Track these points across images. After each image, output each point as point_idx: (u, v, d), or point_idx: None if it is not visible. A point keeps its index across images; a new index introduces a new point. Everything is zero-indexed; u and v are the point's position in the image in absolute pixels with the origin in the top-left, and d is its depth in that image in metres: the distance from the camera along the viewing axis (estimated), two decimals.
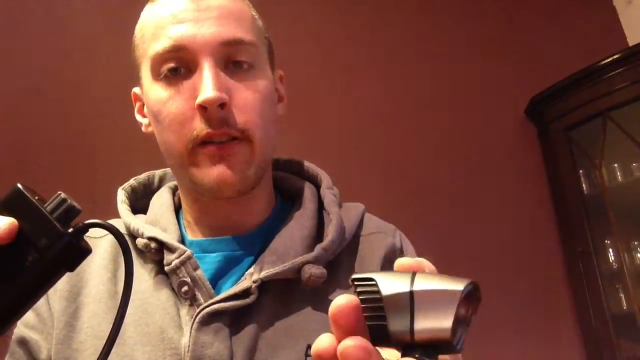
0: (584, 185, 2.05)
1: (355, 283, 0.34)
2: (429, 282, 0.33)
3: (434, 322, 0.32)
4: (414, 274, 0.33)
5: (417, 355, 0.32)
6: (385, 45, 2.19)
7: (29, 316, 0.67)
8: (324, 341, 0.33)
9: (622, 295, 1.92)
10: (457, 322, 0.33)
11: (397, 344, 0.33)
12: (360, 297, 0.33)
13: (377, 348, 0.35)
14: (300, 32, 2.09)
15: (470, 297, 0.34)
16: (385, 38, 2.20)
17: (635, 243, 1.96)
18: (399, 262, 0.36)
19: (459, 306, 0.32)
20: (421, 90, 2.17)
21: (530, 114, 2.23)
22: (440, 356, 0.34)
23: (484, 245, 2.01)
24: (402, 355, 0.33)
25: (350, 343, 0.31)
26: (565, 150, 2.09)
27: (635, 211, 1.99)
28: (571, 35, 2.32)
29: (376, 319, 0.33)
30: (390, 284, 0.33)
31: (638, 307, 1.84)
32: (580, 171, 2.06)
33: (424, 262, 0.38)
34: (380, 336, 0.33)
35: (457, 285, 0.32)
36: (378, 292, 0.33)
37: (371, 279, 0.33)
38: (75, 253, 0.42)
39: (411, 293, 0.32)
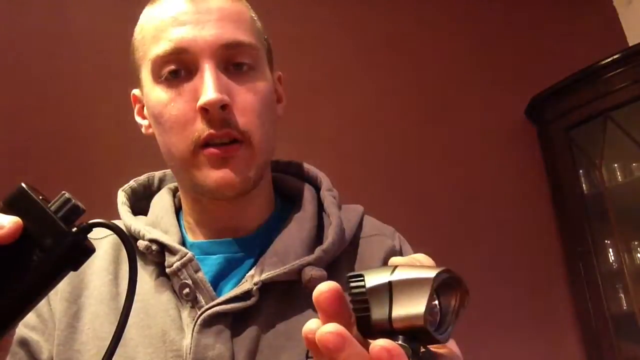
0: (584, 185, 2.05)
1: (349, 280, 0.37)
2: (407, 272, 0.35)
3: (409, 309, 0.34)
4: (395, 267, 0.36)
5: (399, 343, 0.34)
6: (385, 46, 2.19)
7: (30, 317, 0.67)
8: (311, 325, 0.35)
9: (622, 295, 1.92)
10: (434, 309, 0.35)
11: (380, 333, 0.35)
12: (352, 292, 0.36)
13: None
14: (300, 33, 2.08)
15: (451, 287, 0.37)
16: (385, 39, 2.20)
17: (635, 243, 1.95)
18: (391, 260, 0.39)
19: (434, 294, 0.35)
20: (421, 90, 2.17)
21: (530, 114, 2.23)
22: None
23: (483, 245, 2.01)
24: None
25: (327, 329, 0.33)
26: (565, 150, 2.09)
27: (635, 211, 1.99)
28: (571, 35, 2.32)
29: (362, 311, 0.35)
30: (374, 277, 0.36)
31: (638, 307, 1.84)
32: (580, 171, 2.06)
33: (420, 257, 0.40)
34: (365, 327, 0.36)
35: (430, 273, 0.34)
36: (364, 285, 0.36)
37: (360, 275, 0.36)
38: (79, 252, 0.43)
39: (389, 283, 0.35)
